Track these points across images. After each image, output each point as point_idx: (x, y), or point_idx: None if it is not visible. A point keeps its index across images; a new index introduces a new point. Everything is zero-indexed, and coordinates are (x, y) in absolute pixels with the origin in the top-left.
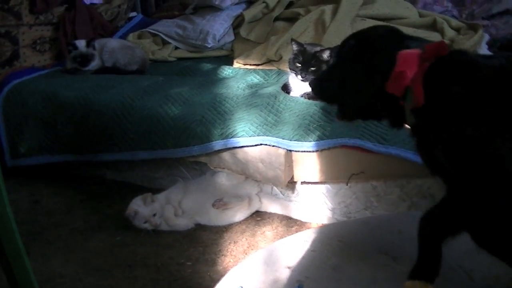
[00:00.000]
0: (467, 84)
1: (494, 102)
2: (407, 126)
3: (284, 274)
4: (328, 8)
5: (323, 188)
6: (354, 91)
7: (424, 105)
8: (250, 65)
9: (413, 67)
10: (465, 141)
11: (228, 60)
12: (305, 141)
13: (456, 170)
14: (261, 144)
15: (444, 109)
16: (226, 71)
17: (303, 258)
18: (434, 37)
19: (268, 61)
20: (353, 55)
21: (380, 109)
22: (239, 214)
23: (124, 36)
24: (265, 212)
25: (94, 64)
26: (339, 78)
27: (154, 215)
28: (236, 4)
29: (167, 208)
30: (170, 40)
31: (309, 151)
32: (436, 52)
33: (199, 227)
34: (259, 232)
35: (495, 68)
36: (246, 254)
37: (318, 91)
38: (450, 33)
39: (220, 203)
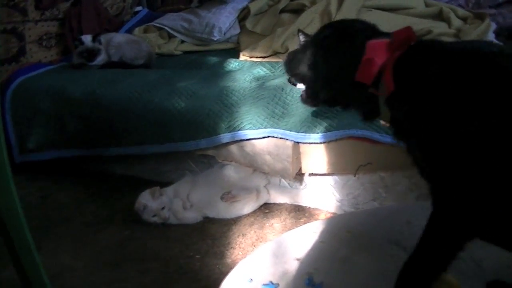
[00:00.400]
0: (436, 68)
1: (465, 86)
2: (382, 122)
3: (293, 266)
4: None
5: (331, 179)
6: (325, 78)
7: (396, 93)
8: (257, 57)
9: (381, 54)
10: (437, 126)
11: (234, 53)
12: (313, 133)
13: (431, 159)
14: (268, 137)
15: (415, 95)
16: (232, 64)
17: (312, 249)
18: (441, 26)
19: (275, 53)
20: (328, 44)
21: (350, 100)
22: (247, 206)
23: (130, 31)
24: (274, 204)
25: (101, 59)
26: (311, 61)
27: (163, 208)
28: None
29: (176, 202)
30: (176, 34)
31: (317, 143)
32: (403, 38)
33: (208, 220)
34: (267, 224)
35: (463, 52)
36: (254, 246)
37: (289, 67)
38: (456, 22)
39: (229, 196)
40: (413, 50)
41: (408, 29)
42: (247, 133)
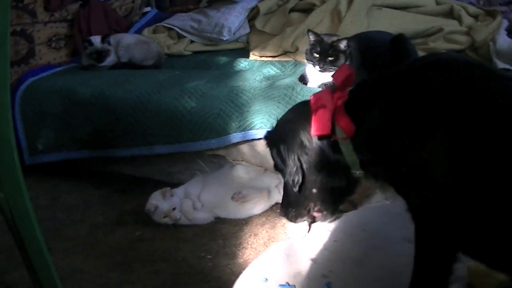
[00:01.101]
0: (386, 101)
1: (415, 109)
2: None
3: (307, 266)
4: None
5: None
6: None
7: (358, 133)
8: (266, 57)
9: (327, 101)
10: (396, 152)
11: (244, 52)
12: None
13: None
14: None
15: (372, 127)
16: (242, 63)
17: (326, 249)
18: (452, 24)
19: (284, 53)
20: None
21: (322, 173)
22: (258, 206)
23: (139, 31)
24: None
25: (110, 60)
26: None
27: (174, 209)
28: None
29: (186, 202)
30: (185, 34)
31: None
32: (343, 79)
33: (219, 220)
34: (279, 224)
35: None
36: (266, 246)
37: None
38: (467, 20)
39: (239, 195)
40: (360, 87)
41: (344, 68)
42: (258, 132)
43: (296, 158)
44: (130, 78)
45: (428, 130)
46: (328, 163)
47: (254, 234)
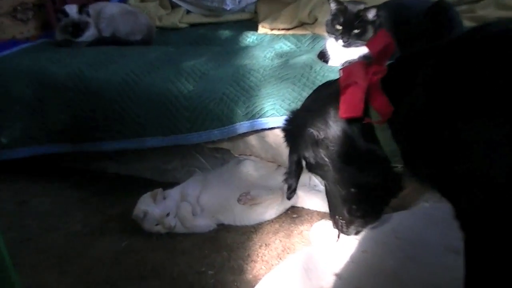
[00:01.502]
0: (433, 76)
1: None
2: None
3: (330, 282)
4: None
5: None
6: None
7: (396, 116)
8: (279, 30)
9: (360, 76)
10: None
11: (251, 25)
12: None
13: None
14: None
15: (415, 109)
16: (249, 38)
17: (353, 261)
18: None
19: (301, 25)
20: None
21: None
22: (270, 210)
23: (124, 0)
24: (302, 208)
25: (89, 34)
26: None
27: (167, 215)
28: None
29: (183, 206)
30: (180, 3)
31: None
32: (380, 49)
33: (223, 228)
34: (295, 231)
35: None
36: (280, 259)
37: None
38: None
39: (247, 197)
40: (402, 61)
41: (381, 36)
42: (269, 121)
43: (295, 159)
44: (114, 57)
45: (494, 117)
46: (359, 153)
47: (266, 244)
